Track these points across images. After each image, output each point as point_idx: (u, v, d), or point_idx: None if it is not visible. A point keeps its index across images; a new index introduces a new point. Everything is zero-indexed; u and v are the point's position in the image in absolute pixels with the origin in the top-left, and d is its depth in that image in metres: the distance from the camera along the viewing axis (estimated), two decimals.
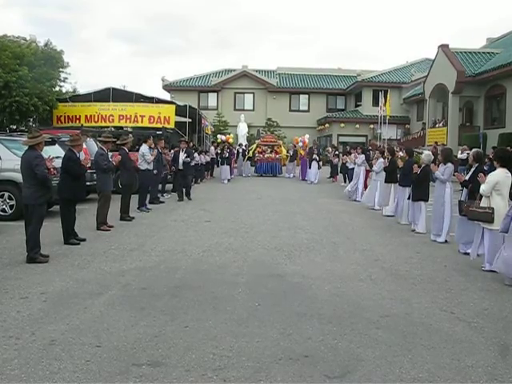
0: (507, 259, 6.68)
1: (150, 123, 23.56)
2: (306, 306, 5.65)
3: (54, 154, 10.32)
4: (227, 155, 24.37)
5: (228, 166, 24.35)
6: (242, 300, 5.85)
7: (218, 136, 31.79)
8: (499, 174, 7.46)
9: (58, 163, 8.88)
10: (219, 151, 25.21)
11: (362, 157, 17.71)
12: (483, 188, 7.49)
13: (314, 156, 24.60)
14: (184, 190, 16.04)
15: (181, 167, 16.19)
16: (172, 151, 17.38)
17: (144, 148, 13.67)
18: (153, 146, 14.20)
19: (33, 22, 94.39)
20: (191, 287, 6.31)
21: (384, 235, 10.48)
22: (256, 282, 6.65)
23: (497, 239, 7.27)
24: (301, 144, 28.63)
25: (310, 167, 24.77)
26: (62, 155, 9.63)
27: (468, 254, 8.30)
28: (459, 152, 22.39)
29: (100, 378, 3.84)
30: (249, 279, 6.77)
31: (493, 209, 7.30)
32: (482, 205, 7.55)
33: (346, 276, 7.05)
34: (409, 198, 11.22)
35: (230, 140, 30.28)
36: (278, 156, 29.39)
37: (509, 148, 9.18)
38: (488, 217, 7.36)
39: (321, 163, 25.47)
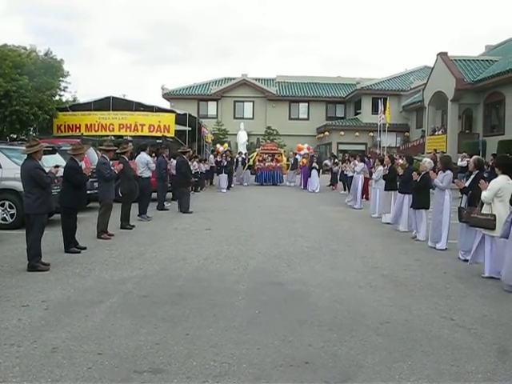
0: (509, 265, 6.70)
1: (150, 132, 23.65)
2: (307, 313, 5.67)
3: (54, 162, 10.39)
4: (225, 163, 24.24)
5: (226, 175, 24.13)
6: (243, 307, 5.87)
7: (217, 145, 31.60)
8: (501, 180, 7.47)
9: (60, 172, 8.93)
10: (218, 159, 25.13)
11: (361, 165, 17.73)
12: (485, 195, 7.50)
13: (314, 164, 24.51)
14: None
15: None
16: (173, 160, 17.43)
17: (147, 156, 13.77)
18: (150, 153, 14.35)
19: (34, 30, 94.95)
20: (192, 295, 6.33)
21: (384, 242, 10.51)
22: (256, 289, 6.67)
23: (498, 246, 7.29)
24: (304, 151, 28.37)
25: (310, 176, 24.69)
26: (62, 164, 9.68)
27: (467, 260, 8.33)
28: (459, 159, 22.45)
29: None
30: (249, 287, 6.78)
31: (495, 216, 7.29)
32: (483, 211, 7.57)
33: (345, 283, 7.07)
34: (411, 206, 11.25)
35: (224, 148, 29.89)
36: (278, 164, 29.11)
37: (509, 155, 9.18)
38: (490, 224, 7.36)
39: (321, 171, 25.44)
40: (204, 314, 5.59)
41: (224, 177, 23.99)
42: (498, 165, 7.78)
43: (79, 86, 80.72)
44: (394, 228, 12.25)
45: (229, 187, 24.58)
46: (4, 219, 11.09)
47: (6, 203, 11.20)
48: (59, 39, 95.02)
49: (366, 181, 18.12)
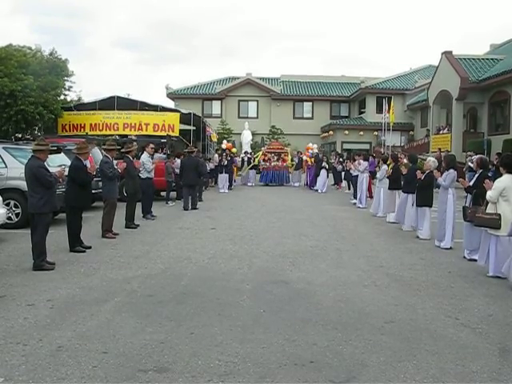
0: None
1: (155, 131, 23.65)
2: (311, 313, 5.67)
3: (59, 162, 10.41)
4: (226, 163, 23.78)
5: (227, 175, 23.72)
6: (247, 306, 5.88)
7: (224, 142, 31.62)
8: (506, 180, 7.44)
9: (65, 172, 8.94)
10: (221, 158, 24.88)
11: (365, 164, 17.69)
12: (490, 194, 7.48)
13: (324, 164, 23.93)
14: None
15: None
16: (177, 159, 17.46)
17: (144, 157, 13.65)
18: (152, 153, 14.31)
19: (38, 29, 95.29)
20: (196, 294, 6.34)
21: (388, 241, 10.49)
22: (261, 288, 6.68)
23: (503, 245, 7.27)
24: (310, 153, 27.97)
25: (318, 175, 24.09)
26: (68, 163, 9.71)
27: (473, 260, 8.31)
28: (469, 162, 21.84)
29: None
30: (254, 286, 6.79)
31: (500, 215, 7.27)
32: (488, 211, 7.55)
33: (350, 282, 7.07)
34: (413, 205, 11.25)
35: (231, 147, 29.73)
36: (285, 164, 28.51)
37: None
38: (495, 223, 7.33)
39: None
40: (209, 313, 5.60)
41: (224, 177, 23.59)
42: (502, 164, 7.75)
43: (83, 85, 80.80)
44: (398, 227, 12.23)
45: (230, 187, 24.33)
46: (9, 218, 11.11)
47: (12, 202, 11.23)
48: (63, 38, 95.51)
49: (370, 180, 18.09)
